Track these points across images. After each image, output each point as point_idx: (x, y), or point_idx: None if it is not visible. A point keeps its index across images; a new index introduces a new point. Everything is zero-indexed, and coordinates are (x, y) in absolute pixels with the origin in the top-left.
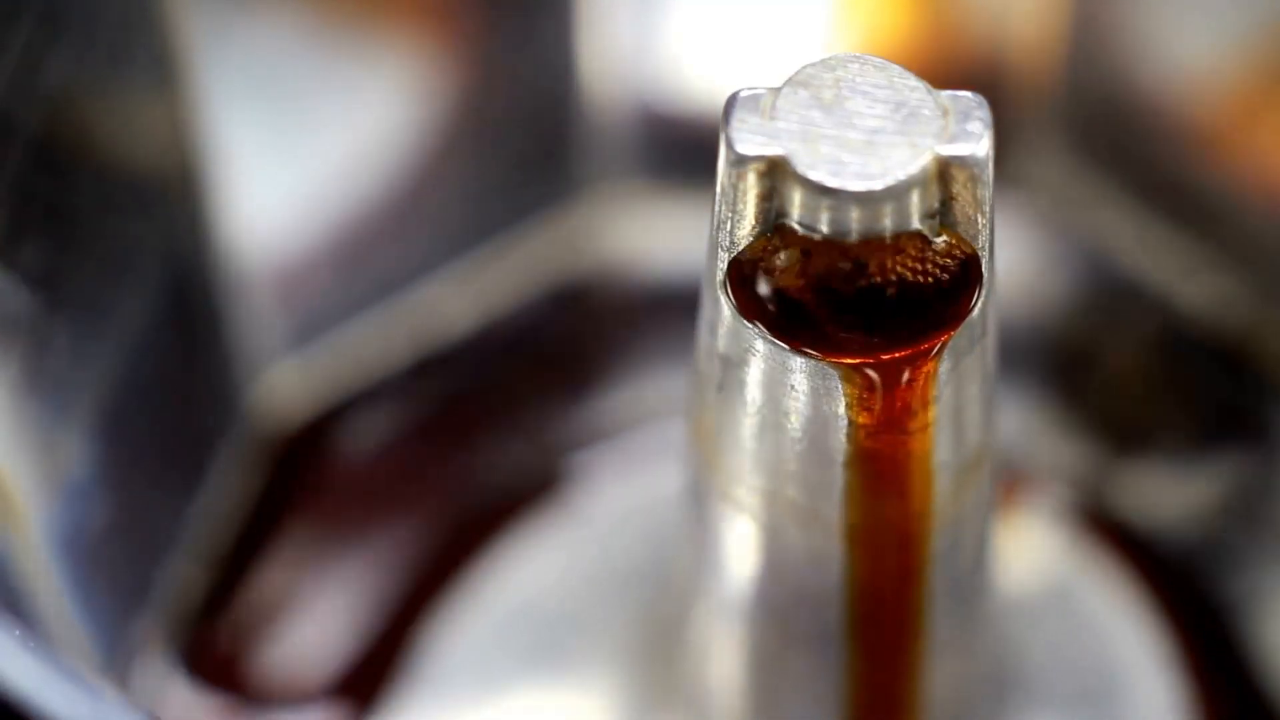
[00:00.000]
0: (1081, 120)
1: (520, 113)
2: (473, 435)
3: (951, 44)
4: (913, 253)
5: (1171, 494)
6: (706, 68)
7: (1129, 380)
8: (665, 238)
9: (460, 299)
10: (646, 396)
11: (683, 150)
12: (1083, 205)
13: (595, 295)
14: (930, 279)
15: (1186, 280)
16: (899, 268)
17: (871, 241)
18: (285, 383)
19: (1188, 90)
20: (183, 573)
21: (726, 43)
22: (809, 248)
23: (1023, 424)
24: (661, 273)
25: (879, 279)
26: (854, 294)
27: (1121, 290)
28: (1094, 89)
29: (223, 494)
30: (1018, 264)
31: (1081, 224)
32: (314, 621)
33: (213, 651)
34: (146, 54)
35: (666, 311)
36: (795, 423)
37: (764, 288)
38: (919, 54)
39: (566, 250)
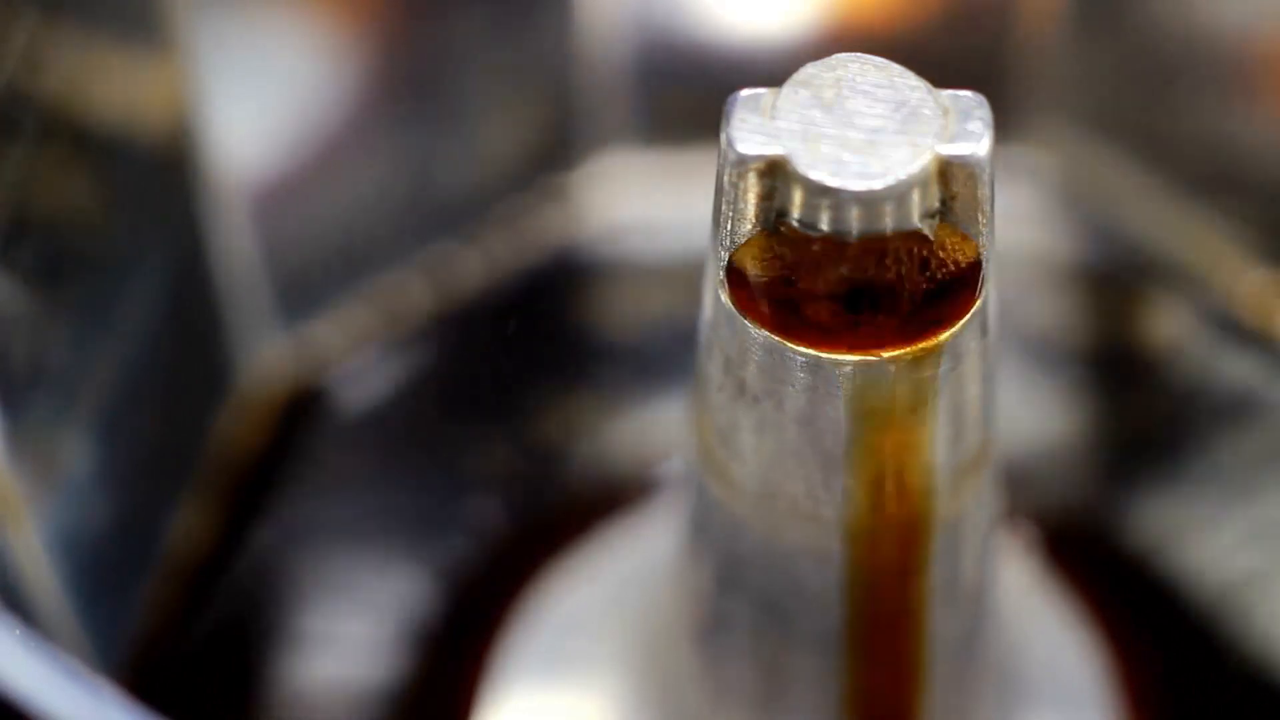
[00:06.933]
0: (1091, 83)
1: (518, 78)
2: (471, 408)
3: (956, 5)
4: (913, 252)
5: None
6: (708, 32)
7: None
8: (667, 203)
9: (459, 268)
10: (647, 370)
11: (684, 115)
12: (1092, 174)
13: (596, 263)
14: (931, 279)
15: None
16: (899, 267)
17: (872, 240)
18: (284, 377)
19: (1202, 50)
20: (183, 571)
21: (728, 7)
22: (809, 247)
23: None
24: (663, 239)
25: (880, 278)
26: (854, 293)
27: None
28: (1104, 51)
29: (221, 491)
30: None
31: (1091, 192)
32: (314, 621)
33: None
34: (145, 38)
35: (668, 279)
36: (795, 422)
37: (764, 287)
38: (924, 15)
39: (567, 217)
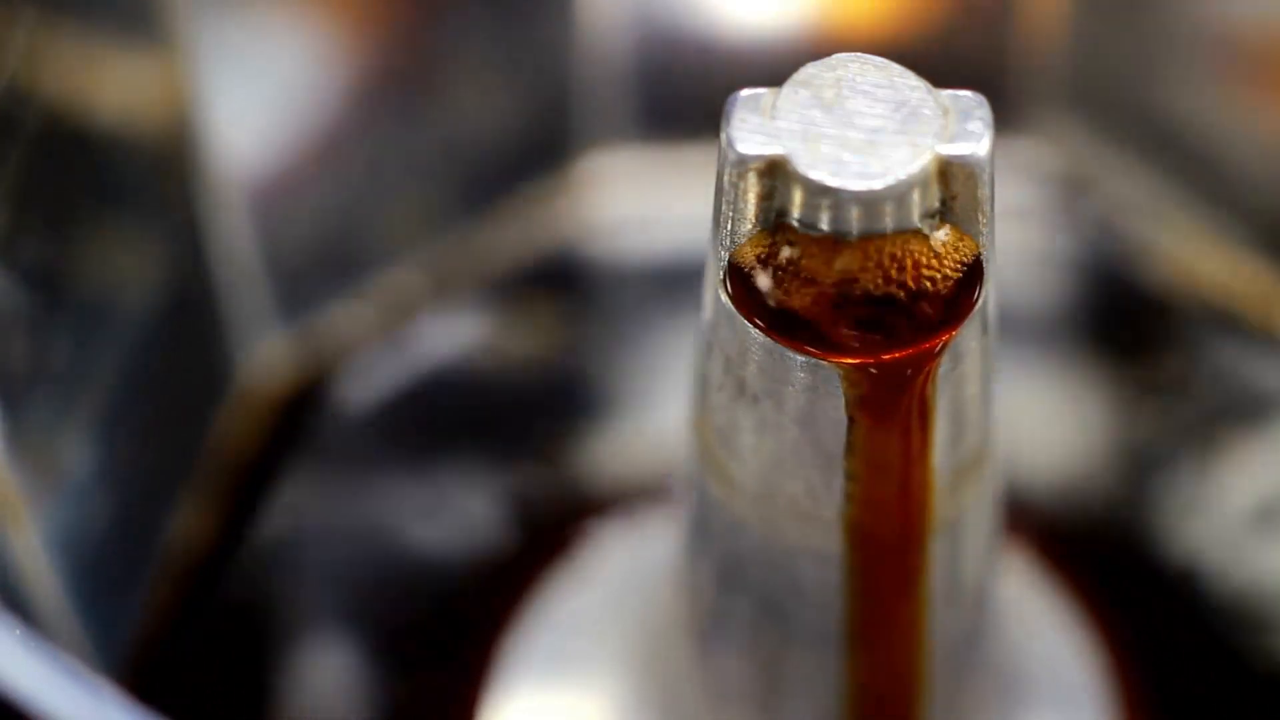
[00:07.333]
0: (1092, 82)
1: (517, 75)
2: (470, 406)
3: (957, 4)
4: (914, 252)
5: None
6: (708, 32)
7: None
8: (666, 202)
9: (458, 266)
10: (646, 368)
11: (684, 114)
12: (1093, 172)
13: (595, 260)
14: (931, 278)
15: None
16: (899, 267)
17: (872, 240)
18: (284, 376)
19: (1204, 48)
20: (183, 571)
21: (728, 7)
22: (809, 247)
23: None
24: (662, 237)
25: (880, 278)
26: (854, 293)
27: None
28: (1104, 49)
29: (221, 490)
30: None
31: (1092, 191)
32: (313, 620)
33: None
34: (144, 37)
35: (667, 278)
36: (795, 422)
37: (764, 286)
38: (924, 15)
39: (566, 215)
